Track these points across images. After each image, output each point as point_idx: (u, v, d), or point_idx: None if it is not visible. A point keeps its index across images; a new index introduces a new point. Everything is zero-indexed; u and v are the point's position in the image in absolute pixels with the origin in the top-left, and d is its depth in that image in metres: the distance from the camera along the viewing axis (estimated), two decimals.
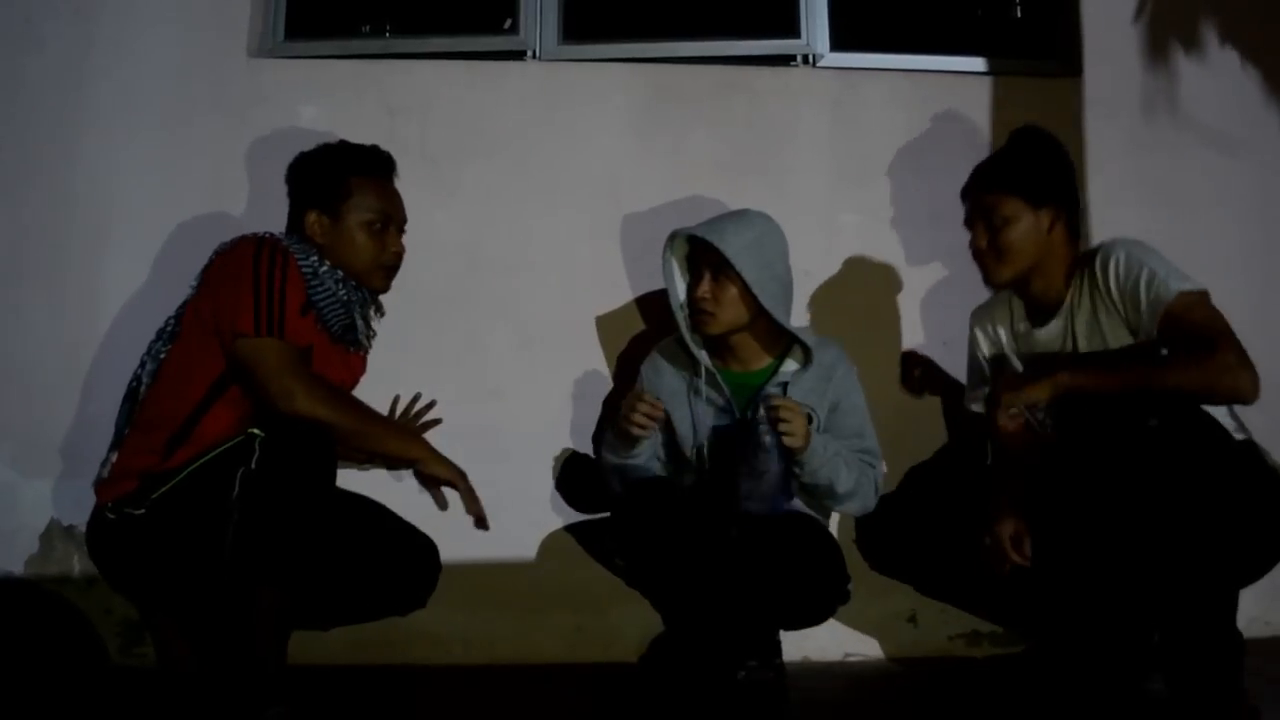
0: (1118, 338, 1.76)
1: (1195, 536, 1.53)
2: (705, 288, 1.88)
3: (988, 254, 1.86)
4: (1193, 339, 1.62)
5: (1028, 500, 1.82)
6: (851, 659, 2.23)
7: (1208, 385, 1.58)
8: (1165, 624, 1.63)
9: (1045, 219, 1.82)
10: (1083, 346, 1.80)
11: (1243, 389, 1.58)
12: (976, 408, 2.03)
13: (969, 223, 1.91)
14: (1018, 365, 1.92)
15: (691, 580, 1.80)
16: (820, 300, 2.33)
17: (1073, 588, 1.81)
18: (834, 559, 1.86)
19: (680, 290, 1.97)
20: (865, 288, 2.35)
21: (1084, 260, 1.83)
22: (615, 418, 1.88)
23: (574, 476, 2.26)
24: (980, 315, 2.03)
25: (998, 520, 1.81)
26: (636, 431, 1.84)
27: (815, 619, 1.90)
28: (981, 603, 2.13)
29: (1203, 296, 1.68)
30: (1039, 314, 1.89)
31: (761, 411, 1.78)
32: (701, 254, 1.90)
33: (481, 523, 1.77)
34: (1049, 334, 1.86)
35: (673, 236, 1.95)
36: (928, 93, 2.41)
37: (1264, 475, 1.65)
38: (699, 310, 1.89)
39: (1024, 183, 1.83)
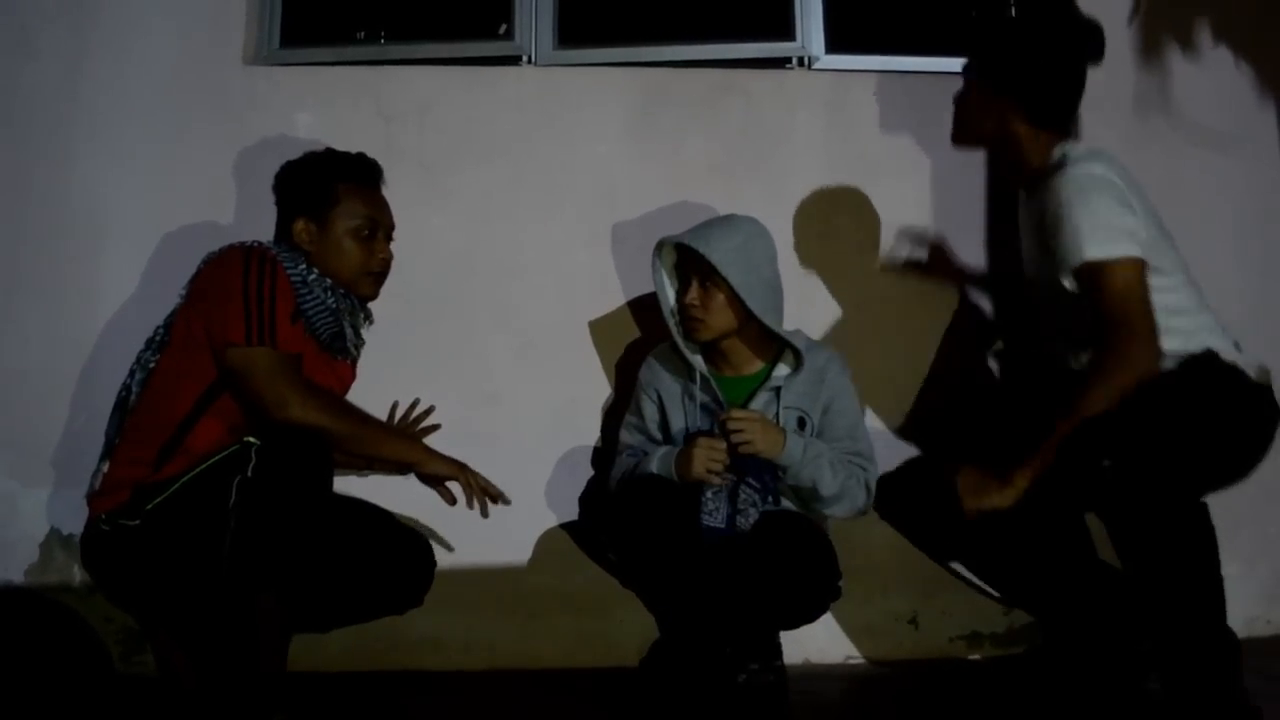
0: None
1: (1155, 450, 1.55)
2: (694, 295, 1.89)
3: (955, 115, 1.96)
4: (1095, 337, 1.66)
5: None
6: (852, 661, 2.23)
7: (1120, 393, 1.61)
8: (1155, 630, 1.62)
9: (999, 105, 1.85)
10: (1032, 235, 1.85)
11: (1145, 372, 1.60)
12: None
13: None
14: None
15: (683, 581, 1.80)
16: (816, 302, 2.33)
17: (1064, 594, 1.82)
18: (825, 555, 1.86)
19: (670, 297, 1.98)
20: (861, 289, 2.35)
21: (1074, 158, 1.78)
22: (683, 460, 1.85)
23: (575, 480, 2.26)
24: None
25: (963, 469, 1.80)
26: (715, 480, 1.83)
27: (807, 616, 1.88)
28: (994, 578, 2.12)
29: (1103, 269, 1.65)
30: (1029, 187, 1.90)
31: (715, 429, 1.83)
32: (689, 261, 1.91)
33: (492, 504, 1.79)
34: (1030, 209, 1.88)
35: (660, 245, 1.95)
36: (923, 94, 2.40)
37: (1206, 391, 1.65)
38: (689, 317, 1.90)
39: (987, 67, 1.88)
